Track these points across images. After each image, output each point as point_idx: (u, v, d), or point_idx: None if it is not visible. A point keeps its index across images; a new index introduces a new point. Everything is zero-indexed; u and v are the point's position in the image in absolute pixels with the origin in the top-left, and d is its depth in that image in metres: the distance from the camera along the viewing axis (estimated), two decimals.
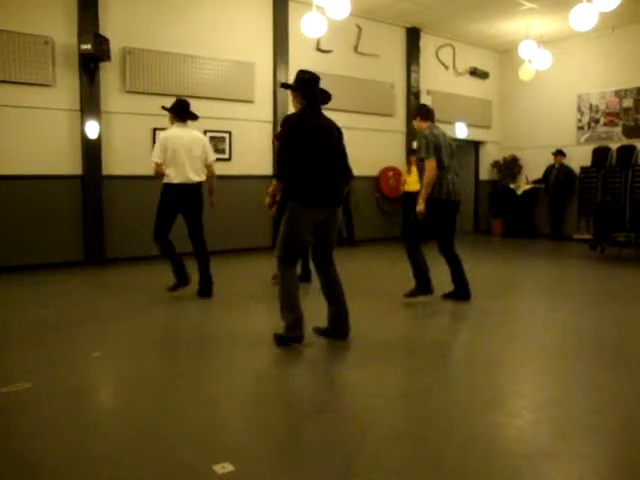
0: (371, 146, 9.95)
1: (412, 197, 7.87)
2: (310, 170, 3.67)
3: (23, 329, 4.30)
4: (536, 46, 9.10)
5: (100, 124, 7.22)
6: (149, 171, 5.28)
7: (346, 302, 3.88)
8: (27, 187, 6.85)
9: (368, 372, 3.35)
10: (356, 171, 9.42)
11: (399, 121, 10.51)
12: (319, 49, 9.25)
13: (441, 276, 5.23)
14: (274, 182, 4.33)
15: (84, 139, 7.17)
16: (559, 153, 10.69)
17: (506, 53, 11.69)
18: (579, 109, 10.80)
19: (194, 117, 5.31)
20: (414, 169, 9.52)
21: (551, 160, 10.82)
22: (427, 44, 10.76)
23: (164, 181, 5.14)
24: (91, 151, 7.22)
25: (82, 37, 6.89)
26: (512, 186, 11.37)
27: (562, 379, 3.30)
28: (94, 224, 7.30)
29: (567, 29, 8.60)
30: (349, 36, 9.62)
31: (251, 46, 8.57)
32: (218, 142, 8.16)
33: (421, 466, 2.22)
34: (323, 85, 3.86)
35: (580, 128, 10.81)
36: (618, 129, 10.29)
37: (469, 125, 11.39)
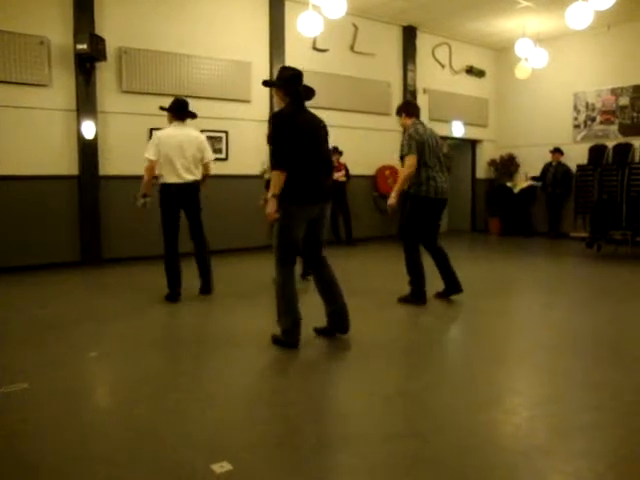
0: (368, 145, 9.98)
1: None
2: (303, 167, 3.64)
3: (21, 329, 4.30)
4: (532, 44, 9.12)
5: (96, 124, 7.21)
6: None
7: (344, 299, 3.88)
8: (23, 187, 6.83)
9: (366, 371, 3.37)
10: (353, 170, 9.62)
11: (396, 120, 10.42)
12: (315, 48, 9.25)
13: (432, 275, 5.21)
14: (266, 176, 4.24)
15: (80, 139, 7.16)
16: (557, 151, 10.68)
17: (502, 51, 11.70)
18: (575, 107, 10.81)
19: (193, 116, 5.29)
20: None
21: (547, 158, 10.82)
22: (423, 43, 10.76)
23: (160, 181, 5.15)
24: (87, 151, 7.21)
25: (78, 37, 6.88)
26: (509, 184, 11.36)
27: (559, 376, 3.31)
28: (91, 224, 7.29)
29: (563, 27, 8.62)
30: (345, 35, 9.63)
31: (247, 45, 8.56)
32: (215, 142, 8.15)
33: (421, 465, 2.23)
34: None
35: (576, 126, 10.82)
36: (614, 127, 10.30)
37: (466, 123, 11.41)
